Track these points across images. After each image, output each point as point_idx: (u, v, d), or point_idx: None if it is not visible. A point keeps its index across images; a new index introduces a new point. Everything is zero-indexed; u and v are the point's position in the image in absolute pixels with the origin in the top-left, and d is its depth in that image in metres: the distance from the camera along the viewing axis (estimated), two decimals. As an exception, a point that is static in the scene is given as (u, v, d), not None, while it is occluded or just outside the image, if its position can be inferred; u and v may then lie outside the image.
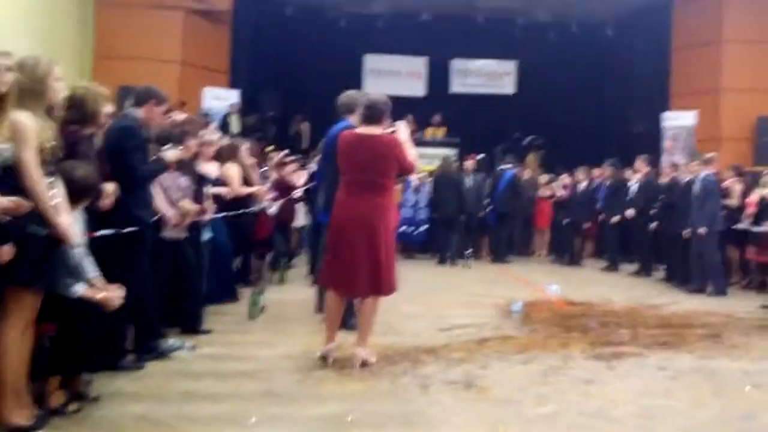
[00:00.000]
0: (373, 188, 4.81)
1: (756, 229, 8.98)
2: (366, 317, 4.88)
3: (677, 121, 14.86)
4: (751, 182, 10.00)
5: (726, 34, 14.33)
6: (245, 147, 7.79)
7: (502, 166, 13.08)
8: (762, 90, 14.01)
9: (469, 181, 12.47)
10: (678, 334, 6.32)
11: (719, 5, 14.26)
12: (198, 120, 6.86)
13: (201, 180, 6.03)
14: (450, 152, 14.68)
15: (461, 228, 12.23)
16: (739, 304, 8.23)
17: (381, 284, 4.80)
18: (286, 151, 11.54)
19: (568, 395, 4.38)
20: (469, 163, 12.80)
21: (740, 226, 9.36)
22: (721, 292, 8.88)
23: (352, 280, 4.79)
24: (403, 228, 12.05)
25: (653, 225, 10.52)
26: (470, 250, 11.93)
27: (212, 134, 7.29)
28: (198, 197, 5.78)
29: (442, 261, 12.02)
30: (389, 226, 4.88)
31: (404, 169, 5.00)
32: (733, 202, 9.81)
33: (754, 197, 9.46)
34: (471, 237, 12.54)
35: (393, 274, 4.88)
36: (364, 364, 4.80)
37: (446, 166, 12.68)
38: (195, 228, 5.80)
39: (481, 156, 13.62)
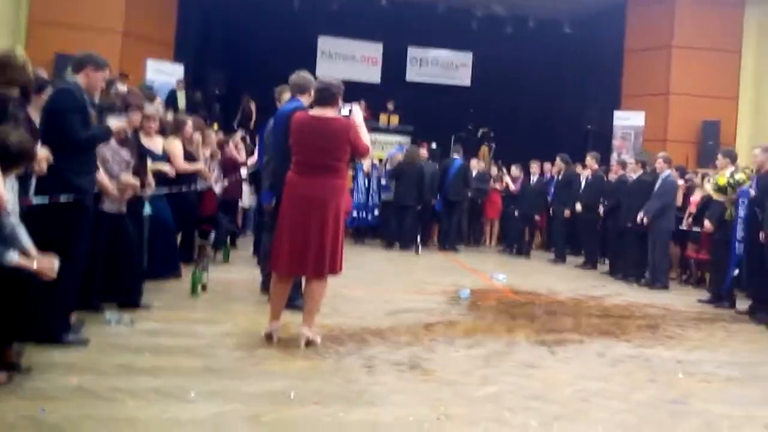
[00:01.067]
0: (325, 170, 4.77)
1: (696, 228, 9.25)
2: (313, 297, 4.84)
3: (627, 120, 15.23)
4: (691, 184, 10.31)
5: (676, 39, 14.74)
6: (190, 123, 7.62)
7: (453, 155, 13.12)
8: (708, 96, 14.48)
9: (424, 170, 12.51)
10: (618, 323, 6.51)
11: (671, 11, 14.65)
12: (141, 93, 6.64)
13: (143, 154, 5.89)
14: (403, 140, 14.71)
15: (415, 216, 12.26)
16: (678, 298, 8.50)
17: (327, 265, 4.77)
18: (241, 133, 11.42)
19: (511, 378, 4.44)
20: (423, 152, 12.83)
21: (683, 225, 9.62)
22: (664, 286, 9.18)
23: (300, 259, 4.74)
24: (356, 213, 12.02)
25: (601, 219, 10.75)
26: (419, 237, 11.96)
27: (158, 108, 7.12)
28: (139, 171, 5.64)
29: (390, 246, 12.04)
30: (340, 209, 4.85)
31: (358, 153, 4.96)
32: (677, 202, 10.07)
33: (695, 198, 9.73)
34: (423, 225, 12.57)
35: (339, 255, 4.86)
36: (309, 343, 4.77)
37: (413, 154, 12.65)
38: (136, 203, 5.67)
39: (434, 145, 13.69)
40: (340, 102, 4.94)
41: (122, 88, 6.98)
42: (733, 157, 8.38)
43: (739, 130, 14.75)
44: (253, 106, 14.87)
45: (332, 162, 4.79)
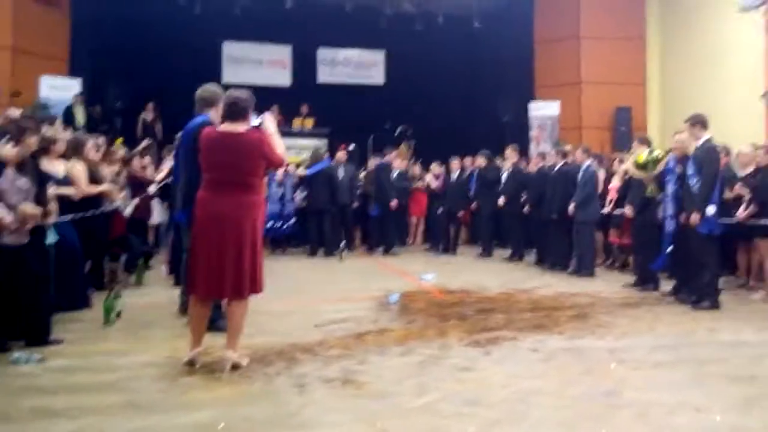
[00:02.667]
0: (238, 187, 4.58)
1: (618, 212, 9.42)
2: (235, 319, 4.63)
3: (542, 111, 15.51)
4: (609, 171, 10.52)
5: (583, 29, 15.14)
6: (91, 143, 7.24)
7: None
8: (618, 82, 14.93)
9: (341, 172, 12.36)
10: (549, 316, 6.55)
11: (576, 1, 14.98)
12: (34, 115, 6.26)
13: (43, 180, 5.51)
14: (320, 143, 14.51)
15: (334, 220, 12.10)
16: (605, 284, 8.65)
17: (247, 285, 4.58)
18: (147, 141, 10.94)
19: (446, 384, 4.37)
20: (341, 154, 12.68)
21: (604, 211, 9.80)
22: (590, 273, 9.35)
23: (217, 281, 4.53)
24: (271, 223, 11.76)
25: (525, 210, 10.87)
26: (344, 242, 11.80)
27: (59, 130, 6.75)
28: (40, 199, 5.27)
29: (313, 254, 11.86)
30: (256, 225, 4.66)
31: (273, 164, 4.82)
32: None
33: (614, 184, 9.94)
34: (344, 229, 12.42)
35: (259, 273, 4.68)
36: (235, 367, 4.56)
37: (317, 157, 12.48)
38: (38, 232, 5.28)
39: (352, 146, 13.56)
40: (251, 115, 4.75)
41: (14, 112, 6.54)
42: (647, 143, 8.54)
43: (649, 115, 15.27)
44: (157, 118, 14.29)
45: (246, 178, 4.60)
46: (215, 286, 4.55)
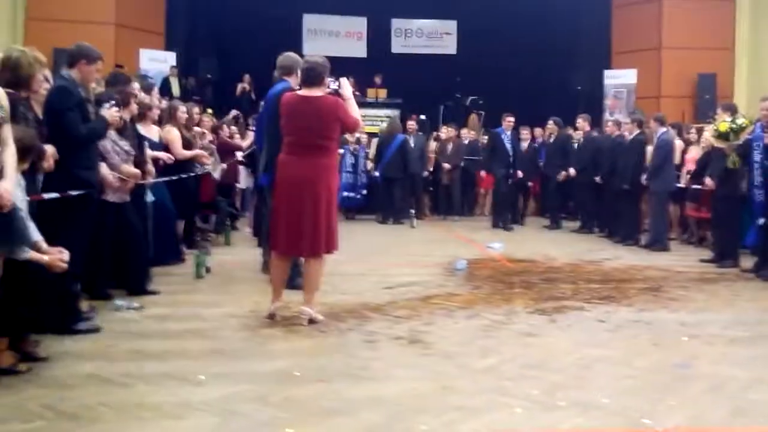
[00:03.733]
0: (315, 149, 4.79)
1: (695, 186, 9.12)
2: (311, 276, 4.88)
3: (618, 79, 15.11)
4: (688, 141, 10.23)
5: (666, -8, 14.50)
6: (183, 109, 7.63)
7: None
8: (701, 48, 14.23)
9: (412, 141, 12.47)
10: (618, 288, 6.47)
11: (659, -38, 14.40)
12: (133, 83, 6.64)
13: (141, 143, 5.90)
14: (392, 113, 14.65)
15: (404, 188, 12.25)
16: (679, 259, 8.42)
17: (322, 243, 4.80)
18: (235, 112, 11.40)
19: (511, 348, 4.45)
20: (412, 124, 12.79)
21: (680, 183, 9.55)
22: (663, 247, 9.11)
23: (295, 240, 4.78)
24: (345, 193, 12.02)
25: (597, 180, 10.54)
26: (413, 210, 11.95)
27: (155, 97, 7.16)
28: (140, 161, 5.69)
29: (384, 221, 12.04)
30: (331, 187, 4.88)
31: (348, 127, 5.04)
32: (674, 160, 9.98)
33: (691, 155, 9.68)
34: (414, 197, 12.57)
35: (334, 234, 4.90)
36: (312, 321, 4.82)
37: (394, 126, 12.60)
38: (138, 191, 5.72)
39: (422, 117, 13.64)
40: (327, 80, 4.93)
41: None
42: (733, 110, 8.05)
43: (736, 82, 14.49)
44: (249, 88, 14.83)
45: (322, 141, 4.81)
46: (294, 243, 4.80)
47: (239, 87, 15.00)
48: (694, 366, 4.17)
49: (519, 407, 3.41)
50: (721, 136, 7.67)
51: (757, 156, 7.27)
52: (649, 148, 9.50)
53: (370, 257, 8.13)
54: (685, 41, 14.32)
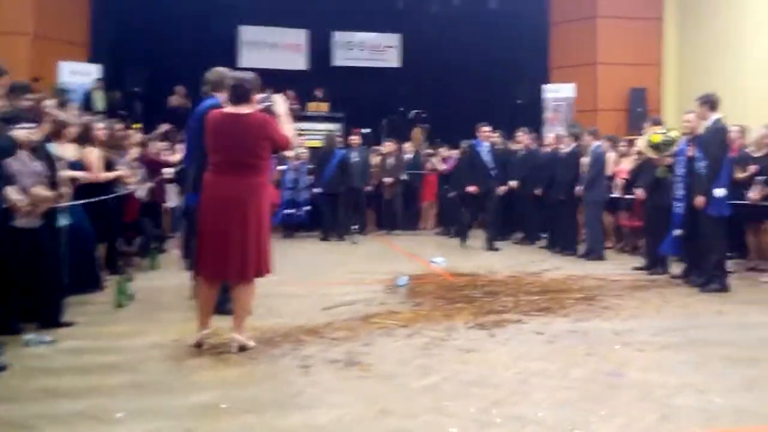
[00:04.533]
0: (243, 168, 4.62)
1: (628, 196, 9.36)
2: (241, 301, 4.70)
3: (557, 93, 15.41)
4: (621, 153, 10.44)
5: (600, 9, 14.97)
6: (100, 126, 7.32)
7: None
8: (634, 63, 14.80)
9: (355, 156, 12.36)
10: (556, 298, 6.55)
11: (594, -18, 14.82)
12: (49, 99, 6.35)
13: (56, 163, 5.61)
14: (334, 127, 14.52)
15: (347, 204, 12.14)
16: (614, 267, 8.62)
17: (251, 267, 4.63)
18: (166, 126, 11.06)
19: (450, 365, 4.41)
20: (355, 138, 12.70)
21: (614, 194, 9.75)
22: (599, 257, 9.33)
23: (222, 263, 4.60)
24: (286, 210, 11.85)
25: (537, 192, 10.72)
26: (356, 226, 11.82)
27: (72, 114, 6.83)
28: (53, 182, 5.37)
29: (326, 238, 11.90)
30: (261, 207, 4.70)
31: (279, 146, 4.83)
32: (608, 171, 10.18)
33: (624, 166, 9.87)
34: (358, 213, 12.46)
35: (265, 255, 4.73)
36: (242, 348, 4.64)
37: (331, 141, 12.49)
38: (51, 215, 5.38)
39: (366, 130, 13.56)
40: (259, 97, 4.80)
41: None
42: (660, 124, 8.51)
43: (664, 96, 15.13)
44: (183, 100, 14.38)
45: (250, 160, 4.64)
46: (220, 267, 4.62)
47: (174, 98, 14.44)
48: (625, 374, 4.26)
49: (455, 427, 3.37)
50: (654, 147, 7.88)
51: (680, 169, 7.49)
52: (585, 160, 9.65)
53: (309, 276, 7.98)
54: (618, 57, 14.83)
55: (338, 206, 12.03)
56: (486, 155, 10.57)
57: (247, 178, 4.63)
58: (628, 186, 9.36)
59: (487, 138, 10.72)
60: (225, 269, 4.62)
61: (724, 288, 6.93)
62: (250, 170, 4.64)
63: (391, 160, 13.25)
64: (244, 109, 4.69)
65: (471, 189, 10.61)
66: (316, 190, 12.21)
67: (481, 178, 10.50)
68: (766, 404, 3.71)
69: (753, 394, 3.87)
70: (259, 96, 4.83)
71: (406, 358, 4.56)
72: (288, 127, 4.84)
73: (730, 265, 7.61)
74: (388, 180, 13.08)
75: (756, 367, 4.41)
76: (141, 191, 8.11)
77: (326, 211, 12.12)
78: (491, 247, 10.34)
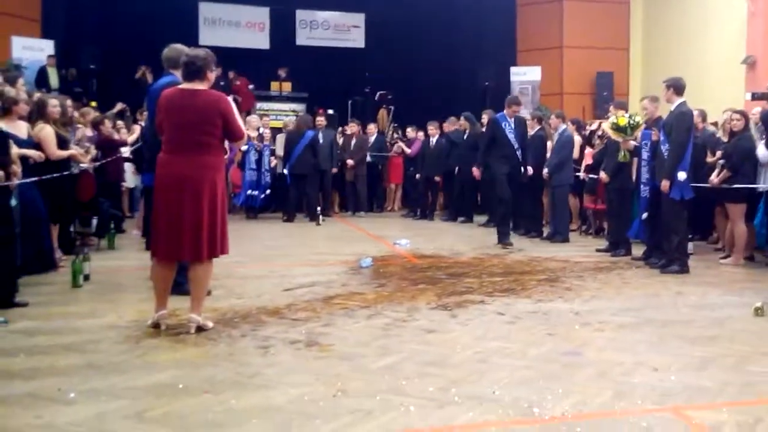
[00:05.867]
0: (197, 147, 4.52)
1: (592, 176, 9.43)
2: (198, 282, 4.61)
3: (524, 76, 15.50)
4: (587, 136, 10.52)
5: (568, -9, 15.00)
6: (54, 102, 7.12)
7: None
8: (601, 47, 14.91)
9: (321, 137, 12.26)
10: (519, 280, 6.61)
11: (561, -36, 14.87)
12: None
13: (5, 141, 5.44)
14: (297, 107, 14.38)
15: (312, 185, 12.06)
16: (578, 249, 8.72)
17: (206, 247, 4.54)
18: (122, 105, 10.84)
19: (410, 345, 4.40)
20: (321, 119, 12.59)
21: (579, 176, 9.82)
22: (564, 239, 9.41)
23: (176, 243, 4.51)
24: (249, 192, 11.74)
25: (475, 172, 10.42)
26: (319, 208, 11.77)
27: (21, 90, 6.63)
28: (3, 160, 5.21)
29: (290, 219, 11.81)
30: (216, 186, 4.59)
31: (232, 130, 4.65)
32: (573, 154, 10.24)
33: (590, 150, 9.94)
34: (323, 194, 12.41)
35: (223, 236, 4.64)
36: (200, 329, 4.57)
37: (303, 122, 12.35)
38: (1, 193, 5.24)
39: (330, 111, 13.46)
40: (211, 73, 4.68)
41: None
42: (624, 108, 8.53)
43: (631, 80, 15.28)
44: (149, 77, 14.09)
45: (204, 138, 4.54)
46: (174, 247, 4.53)
47: (139, 71, 14.09)
48: (584, 353, 4.30)
49: (413, 405, 3.36)
50: (619, 129, 7.90)
51: (644, 154, 7.57)
52: (549, 144, 9.69)
53: (272, 257, 7.90)
54: (584, 41, 14.97)
55: (306, 187, 11.93)
56: (511, 133, 9.11)
57: (201, 157, 4.53)
58: (592, 169, 9.46)
59: (514, 113, 9.20)
60: (179, 249, 4.53)
61: (684, 269, 7.03)
62: (204, 148, 4.54)
63: (354, 142, 13.18)
64: (198, 86, 4.58)
65: (475, 173, 9.84)
66: (283, 171, 12.08)
67: (503, 158, 9.04)
68: (718, 382, 3.75)
69: (706, 372, 3.92)
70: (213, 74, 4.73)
71: (367, 338, 4.54)
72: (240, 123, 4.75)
73: (691, 247, 7.73)
74: (350, 162, 13.02)
75: (712, 345, 4.47)
76: (89, 168, 7.90)
77: (293, 192, 12.02)
78: (505, 242, 8.88)
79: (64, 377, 3.71)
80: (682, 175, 6.93)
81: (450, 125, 12.49)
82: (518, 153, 9.09)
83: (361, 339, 4.53)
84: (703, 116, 8.90)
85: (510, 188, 8.92)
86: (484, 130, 11.47)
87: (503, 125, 9.10)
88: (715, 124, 9.31)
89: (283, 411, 3.30)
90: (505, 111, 9.23)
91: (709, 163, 8.21)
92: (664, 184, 6.97)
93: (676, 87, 7.15)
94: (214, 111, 4.54)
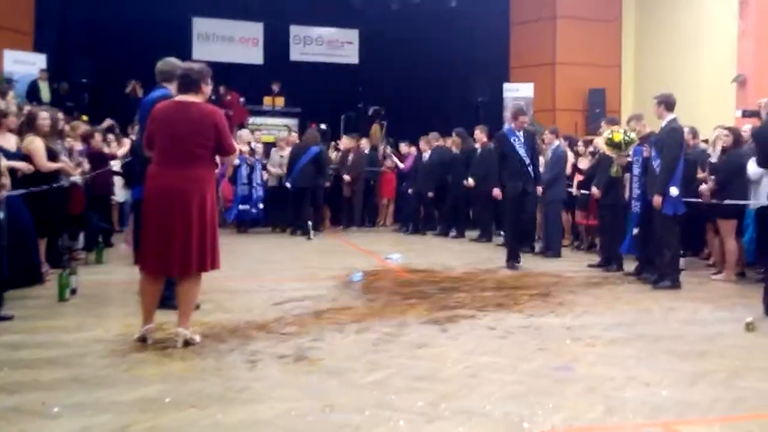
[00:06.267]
0: (188, 159, 4.48)
1: (584, 192, 9.44)
2: (185, 296, 4.56)
3: (517, 92, 15.56)
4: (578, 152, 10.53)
5: (560, 10, 15.12)
6: (44, 115, 7.09)
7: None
8: (593, 64, 15.01)
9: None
10: (510, 295, 6.58)
11: (554, -18, 14.99)
12: None
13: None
14: (290, 122, 14.40)
15: (304, 199, 12.05)
16: (569, 264, 8.70)
17: (194, 262, 4.49)
18: (110, 121, 10.84)
19: (400, 360, 4.36)
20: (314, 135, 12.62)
21: (571, 192, 9.82)
22: (556, 254, 9.40)
23: (165, 258, 4.46)
24: (239, 206, 11.73)
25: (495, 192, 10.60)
26: (310, 222, 11.73)
27: (11, 103, 6.62)
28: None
29: (283, 231, 11.74)
30: (206, 199, 4.54)
31: (225, 149, 4.64)
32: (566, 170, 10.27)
33: (583, 165, 9.96)
34: (314, 209, 12.39)
35: (210, 250, 4.56)
36: (187, 343, 4.52)
37: (311, 138, 12.35)
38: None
39: (323, 126, 13.48)
40: (206, 87, 4.67)
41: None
42: (616, 124, 8.49)
43: (623, 97, 15.35)
44: (139, 92, 14.10)
45: (197, 150, 4.51)
46: (163, 262, 4.48)
47: (129, 86, 14.13)
48: (575, 368, 4.27)
49: (402, 420, 3.34)
50: (614, 145, 7.89)
51: (636, 169, 7.59)
52: (542, 159, 9.70)
53: (262, 272, 7.88)
54: (577, 58, 15.03)
55: (303, 202, 11.91)
56: (520, 147, 8.34)
57: (191, 170, 4.49)
58: (584, 184, 9.45)
59: (521, 126, 8.48)
60: (167, 264, 4.48)
61: (676, 285, 7.01)
62: (195, 161, 4.50)
63: (350, 157, 13.19)
64: (192, 99, 4.58)
65: (496, 194, 8.72)
66: (286, 184, 12.11)
67: (515, 174, 8.31)
68: (709, 397, 3.74)
69: (698, 388, 3.90)
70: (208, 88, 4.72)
71: (356, 353, 4.51)
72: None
73: (682, 262, 7.73)
74: (347, 177, 13.02)
75: (703, 361, 4.45)
76: (79, 180, 7.86)
77: (292, 206, 12.02)
78: (514, 261, 8.34)
79: (49, 391, 3.67)
80: (674, 191, 6.94)
81: (433, 141, 12.46)
82: (530, 168, 8.32)
83: (351, 354, 4.49)
84: (694, 133, 8.93)
85: (524, 206, 8.28)
86: (477, 146, 11.58)
87: (512, 140, 8.35)
88: (706, 141, 9.35)
89: (271, 425, 3.27)
90: (512, 124, 8.52)
91: (700, 180, 8.23)
92: (657, 200, 6.97)
93: (667, 103, 7.19)
94: (209, 123, 4.52)
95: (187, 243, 4.45)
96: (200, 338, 4.64)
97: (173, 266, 4.49)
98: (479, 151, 11.56)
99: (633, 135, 7.87)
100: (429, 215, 12.77)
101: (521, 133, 8.41)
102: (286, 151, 12.47)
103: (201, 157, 4.53)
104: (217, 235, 4.69)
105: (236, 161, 11.51)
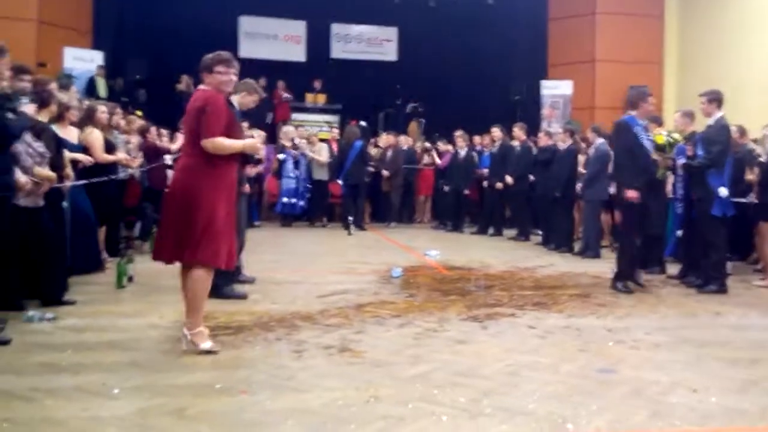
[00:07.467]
0: (186, 149, 4.41)
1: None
2: (192, 294, 4.29)
3: (555, 90, 15.41)
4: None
5: (600, 5, 14.93)
6: (102, 109, 7.34)
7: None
8: (633, 61, 14.71)
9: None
10: (550, 294, 6.54)
11: (593, -22, 14.79)
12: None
13: (59, 145, 5.66)
14: (331, 119, 14.57)
15: (363, 195, 12.30)
16: (609, 265, 8.29)
17: (186, 251, 4.22)
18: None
19: (441, 355, 4.41)
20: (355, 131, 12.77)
21: (611, 191, 9.71)
22: (595, 255, 9.27)
23: (159, 244, 4.40)
24: (285, 199, 11.94)
25: (630, 194, 10.38)
26: (351, 218, 11.87)
27: (74, 97, 6.88)
28: (56, 163, 5.43)
29: (347, 227, 11.78)
30: (196, 189, 4.21)
31: (201, 132, 4.23)
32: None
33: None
34: (354, 204, 12.54)
35: (217, 245, 4.24)
36: (193, 345, 4.28)
37: (352, 133, 12.53)
38: (54, 195, 5.47)
39: (363, 123, 13.60)
40: (211, 74, 4.37)
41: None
42: (659, 122, 8.32)
43: (665, 94, 15.00)
44: (192, 89, 14.38)
45: (189, 136, 4.38)
46: (157, 248, 4.44)
47: (183, 82, 14.42)
48: (618, 371, 4.21)
49: (445, 415, 3.37)
50: (658, 148, 7.77)
51: (679, 170, 7.42)
52: (581, 158, 9.65)
53: (305, 264, 8.02)
54: (617, 54, 14.79)
55: (357, 198, 12.11)
56: (646, 140, 7.06)
57: (186, 158, 4.37)
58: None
59: (647, 114, 7.24)
60: (159, 249, 4.37)
61: (722, 289, 6.80)
62: (190, 150, 4.34)
63: (389, 153, 13.30)
64: (201, 87, 4.43)
65: (631, 195, 6.85)
66: (338, 182, 12.34)
67: (640, 170, 6.98)
68: (760, 405, 3.64)
69: (748, 395, 3.79)
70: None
71: (398, 346, 4.57)
72: (236, 145, 4.35)
73: (729, 267, 7.46)
74: (385, 173, 13.14)
75: (753, 368, 4.32)
76: (137, 174, 8.13)
77: (348, 203, 12.24)
78: (620, 285, 6.96)
79: (109, 373, 3.84)
80: (723, 191, 6.73)
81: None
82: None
83: (393, 347, 4.56)
84: (742, 131, 8.72)
85: (647, 206, 7.10)
86: (516, 143, 11.58)
87: (635, 129, 7.00)
88: (755, 140, 9.15)
89: (318, 414, 3.35)
90: (634, 112, 7.07)
91: (748, 181, 8.06)
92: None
93: (717, 100, 6.95)
94: (199, 107, 4.28)
95: (179, 231, 4.23)
96: (210, 345, 4.30)
97: (164, 252, 4.33)
98: (518, 149, 11.56)
99: (676, 135, 7.67)
100: (466, 213, 12.83)
101: (645, 123, 7.19)
102: (318, 147, 12.70)
103: (193, 144, 4.30)
104: (223, 231, 4.28)
105: (281, 156, 11.75)
